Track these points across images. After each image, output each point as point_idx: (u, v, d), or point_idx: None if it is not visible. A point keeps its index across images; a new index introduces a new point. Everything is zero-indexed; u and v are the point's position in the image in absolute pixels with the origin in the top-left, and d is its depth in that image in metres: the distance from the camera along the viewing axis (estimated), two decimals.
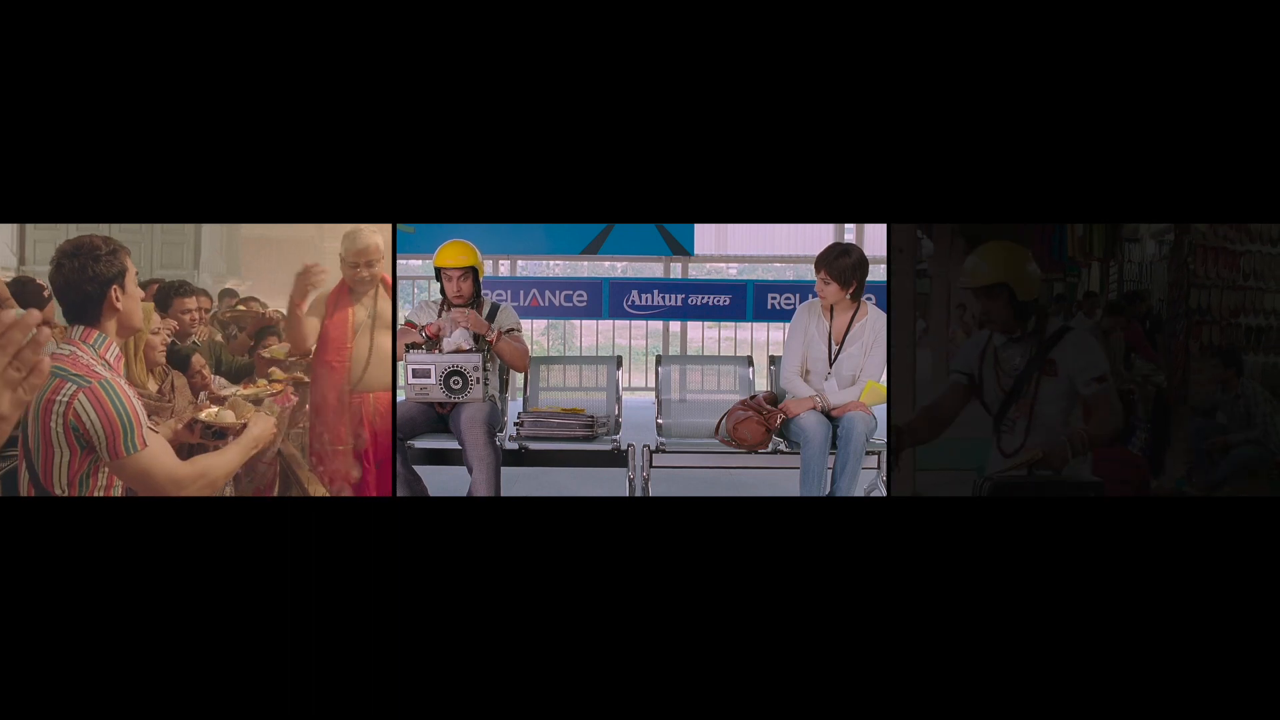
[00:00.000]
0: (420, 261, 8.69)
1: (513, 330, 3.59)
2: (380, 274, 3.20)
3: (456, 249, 3.56)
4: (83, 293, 2.18)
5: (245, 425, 2.51)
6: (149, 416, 2.39)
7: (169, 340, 2.98)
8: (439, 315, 3.56)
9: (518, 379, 3.87)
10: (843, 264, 3.35)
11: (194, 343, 3.22)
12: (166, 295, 3.20)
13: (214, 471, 2.35)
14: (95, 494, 2.22)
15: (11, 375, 1.29)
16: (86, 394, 2.11)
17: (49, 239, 3.42)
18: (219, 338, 3.34)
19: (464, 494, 3.34)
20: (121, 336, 2.26)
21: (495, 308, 3.62)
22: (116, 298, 2.20)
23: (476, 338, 3.50)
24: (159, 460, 2.22)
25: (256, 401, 2.81)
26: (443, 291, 3.61)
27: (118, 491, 2.25)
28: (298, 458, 3.04)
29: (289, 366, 3.18)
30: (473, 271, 3.57)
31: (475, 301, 3.61)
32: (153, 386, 2.85)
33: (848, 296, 3.39)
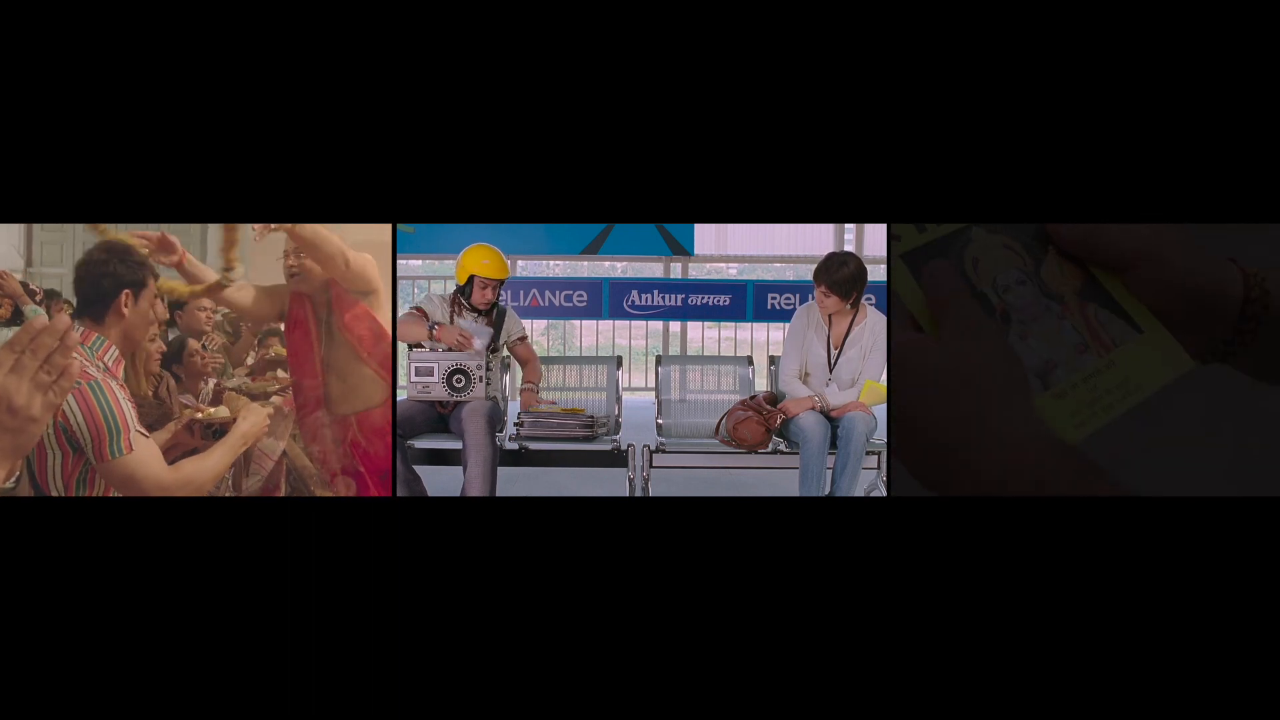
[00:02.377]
0: (420, 261, 8.69)
1: (523, 339, 3.64)
2: (313, 266, 2.64)
3: (499, 260, 3.57)
4: (99, 287, 2.19)
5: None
6: (151, 428, 2.37)
7: (162, 349, 2.96)
8: (449, 319, 3.57)
9: (517, 379, 3.88)
10: (842, 275, 3.35)
11: (204, 345, 3.21)
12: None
13: (200, 477, 2.33)
14: (92, 496, 2.21)
15: (43, 379, 1.34)
16: (75, 395, 2.09)
17: (55, 240, 3.42)
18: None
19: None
20: (123, 348, 2.25)
21: (503, 312, 3.63)
22: (125, 303, 2.21)
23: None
24: (146, 466, 2.20)
25: (264, 396, 2.77)
26: (462, 294, 3.61)
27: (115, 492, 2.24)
28: (310, 470, 3.01)
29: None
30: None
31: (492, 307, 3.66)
32: (148, 390, 2.83)
33: (848, 306, 3.40)
